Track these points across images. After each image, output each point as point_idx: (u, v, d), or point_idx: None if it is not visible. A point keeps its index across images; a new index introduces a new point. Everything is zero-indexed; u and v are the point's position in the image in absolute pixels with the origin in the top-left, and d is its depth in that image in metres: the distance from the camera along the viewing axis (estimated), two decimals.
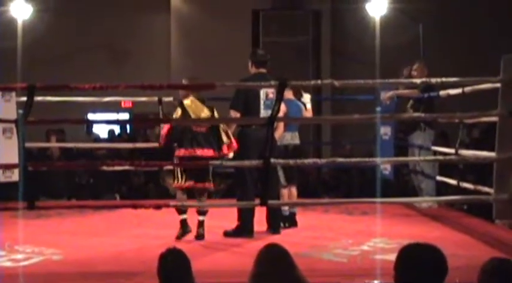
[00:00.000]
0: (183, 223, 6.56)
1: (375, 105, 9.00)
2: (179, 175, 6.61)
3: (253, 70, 6.91)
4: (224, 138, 6.63)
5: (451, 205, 8.64)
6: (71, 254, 5.88)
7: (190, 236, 6.54)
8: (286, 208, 7.27)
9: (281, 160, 6.37)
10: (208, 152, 6.54)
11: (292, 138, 7.31)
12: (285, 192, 7.22)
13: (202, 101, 6.72)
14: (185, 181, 6.59)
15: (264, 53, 7.11)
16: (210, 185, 6.71)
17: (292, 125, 7.34)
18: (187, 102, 6.67)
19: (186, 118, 6.62)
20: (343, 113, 11.76)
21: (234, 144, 6.68)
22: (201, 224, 6.58)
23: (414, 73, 8.51)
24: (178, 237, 6.51)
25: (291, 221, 7.31)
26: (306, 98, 7.62)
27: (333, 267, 5.47)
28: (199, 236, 6.54)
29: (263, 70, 6.89)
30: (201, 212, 6.59)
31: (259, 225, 6.88)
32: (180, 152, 6.58)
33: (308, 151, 12.88)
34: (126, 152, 11.20)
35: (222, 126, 6.67)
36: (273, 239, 6.20)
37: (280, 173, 7.17)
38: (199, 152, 6.53)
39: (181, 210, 6.55)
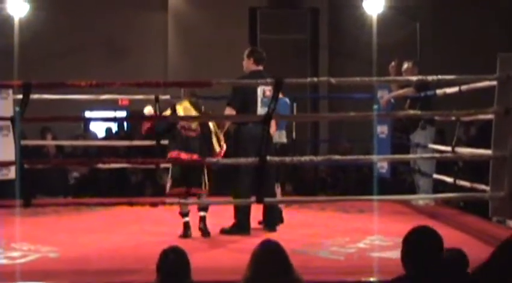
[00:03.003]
0: (186, 226, 6.54)
1: (372, 103, 8.99)
2: (171, 182, 6.60)
3: (252, 67, 6.89)
4: (216, 147, 6.61)
5: (448, 203, 8.65)
6: (68, 252, 5.87)
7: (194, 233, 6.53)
8: None
9: (277, 158, 6.35)
10: (193, 157, 6.49)
11: (279, 137, 7.33)
12: None
13: (196, 107, 6.66)
14: (176, 187, 6.56)
15: (262, 50, 7.13)
16: (202, 191, 6.64)
17: (280, 123, 7.34)
18: (179, 107, 6.62)
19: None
20: (341, 112, 11.76)
21: (222, 153, 6.65)
22: (202, 219, 6.57)
23: (404, 74, 8.50)
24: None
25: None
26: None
27: (330, 264, 5.47)
28: (203, 231, 6.52)
29: (261, 67, 6.90)
30: (202, 208, 6.59)
31: (256, 222, 6.90)
32: (172, 154, 6.55)
33: (299, 149, 12.86)
34: (123, 150, 11.18)
35: (214, 132, 6.64)
36: (269, 236, 6.23)
37: None
38: (183, 156, 6.48)
39: (183, 213, 6.54)
